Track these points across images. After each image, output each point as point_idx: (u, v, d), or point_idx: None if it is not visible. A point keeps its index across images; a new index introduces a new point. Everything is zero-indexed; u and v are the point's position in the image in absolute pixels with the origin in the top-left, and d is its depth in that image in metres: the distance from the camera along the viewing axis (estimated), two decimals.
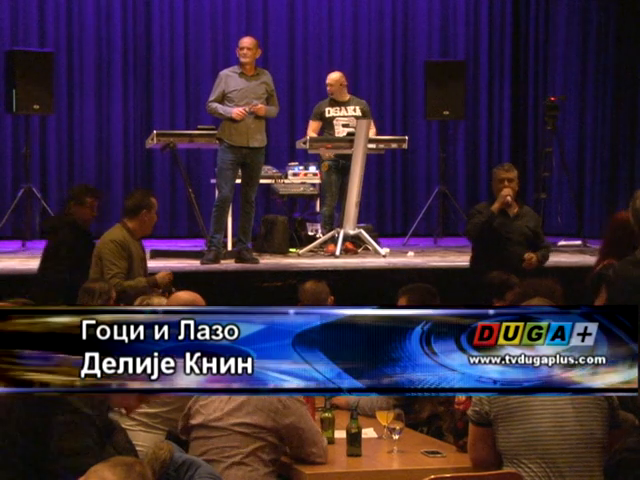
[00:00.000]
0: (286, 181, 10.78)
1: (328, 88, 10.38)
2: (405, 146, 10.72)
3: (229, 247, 9.95)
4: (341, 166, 10.18)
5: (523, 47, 13.49)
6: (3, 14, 12.10)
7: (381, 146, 10.66)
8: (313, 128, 10.33)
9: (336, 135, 10.21)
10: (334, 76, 10.43)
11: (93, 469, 2.72)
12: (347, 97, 10.39)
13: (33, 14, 12.21)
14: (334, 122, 10.27)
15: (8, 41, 11.96)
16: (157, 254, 9.81)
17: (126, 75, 12.54)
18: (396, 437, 4.64)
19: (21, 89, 10.58)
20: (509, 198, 7.66)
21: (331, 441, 4.70)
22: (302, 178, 10.83)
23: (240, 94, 9.25)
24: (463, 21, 13.36)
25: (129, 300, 5.97)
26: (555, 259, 9.83)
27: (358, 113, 10.27)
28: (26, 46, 11.58)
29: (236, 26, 12.56)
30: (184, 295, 5.45)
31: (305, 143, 10.12)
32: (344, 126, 10.23)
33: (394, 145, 10.81)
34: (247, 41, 9.45)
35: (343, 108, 10.33)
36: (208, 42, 12.72)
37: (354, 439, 4.57)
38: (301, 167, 10.92)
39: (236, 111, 9.12)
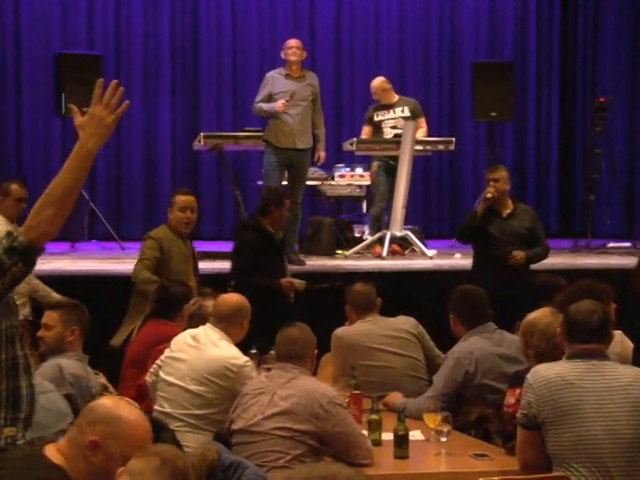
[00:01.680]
0: (332, 183, 10.78)
1: (373, 95, 10.41)
2: (452, 147, 10.68)
3: None
4: (390, 167, 10.16)
5: (571, 47, 13.39)
6: (52, 17, 12.23)
7: (428, 148, 10.63)
8: (365, 133, 10.37)
9: (384, 138, 10.19)
10: (375, 82, 10.45)
11: (138, 471, 2.62)
12: (395, 99, 10.37)
13: (82, 17, 12.31)
14: (382, 125, 10.26)
15: (57, 44, 12.06)
16: (204, 256, 9.83)
17: (174, 77, 12.61)
18: (443, 439, 4.61)
19: (70, 92, 10.65)
20: (488, 195, 7.71)
21: (378, 443, 4.69)
22: (349, 180, 10.82)
23: (286, 95, 9.26)
24: (511, 21, 13.28)
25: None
26: (605, 261, 9.76)
27: (406, 114, 10.24)
28: (75, 49, 11.67)
29: (283, 28, 12.59)
30: (231, 297, 5.48)
31: (352, 145, 10.11)
32: (392, 128, 10.21)
33: (441, 147, 10.77)
34: (295, 41, 9.48)
35: (390, 111, 10.30)
36: (255, 44, 12.76)
37: (401, 441, 4.55)
38: (348, 169, 10.90)
39: (279, 104, 9.14)
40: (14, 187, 7.32)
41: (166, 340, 5.62)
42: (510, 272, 7.43)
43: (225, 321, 5.29)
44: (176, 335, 5.55)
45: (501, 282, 7.18)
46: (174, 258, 7.04)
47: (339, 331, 5.97)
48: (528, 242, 7.73)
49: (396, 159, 10.01)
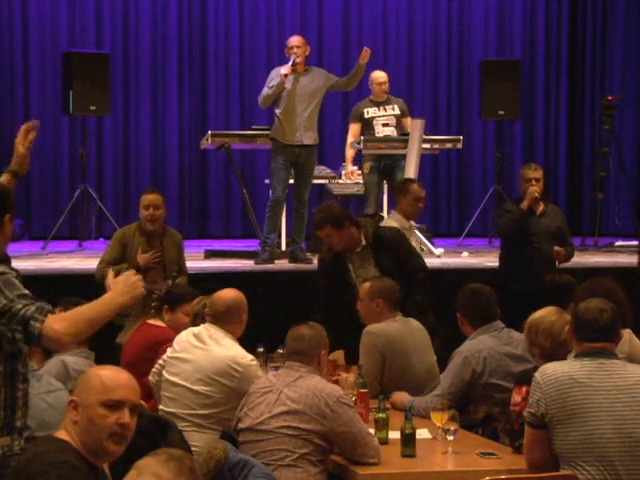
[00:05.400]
0: (340, 181, 10.75)
1: (381, 87, 10.27)
2: (460, 146, 10.66)
3: (283, 247, 9.96)
4: (384, 166, 10.10)
5: (580, 45, 13.36)
6: (60, 16, 12.24)
7: (436, 146, 10.61)
8: (354, 131, 10.22)
9: (376, 135, 10.15)
10: (377, 75, 10.33)
11: (144, 464, 2.69)
12: (385, 96, 10.32)
13: (90, 16, 12.33)
14: (374, 122, 10.20)
15: (65, 43, 12.09)
16: (211, 254, 9.85)
17: (181, 76, 12.62)
18: (451, 438, 4.60)
19: (78, 90, 10.67)
20: (537, 195, 7.75)
21: (385, 442, 4.68)
22: (356, 178, 10.80)
23: (291, 92, 9.23)
24: (519, 20, 13.27)
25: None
26: (612, 260, 9.73)
27: (397, 112, 10.21)
28: (83, 48, 11.69)
29: (291, 27, 12.57)
30: (227, 293, 5.43)
31: (359, 143, 10.09)
32: (384, 125, 10.18)
33: (449, 145, 10.76)
34: (296, 40, 9.39)
35: (381, 108, 10.26)
36: (263, 43, 12.76)
37: (408, 440, 4.54)
38: (355, 167, 10.89)
39: (282, 71, 9.09)
40: (414, 186, 7.67)
41: (157, 343, 5.61)
42: (541, 270, 7.42)
43: (222, 319, 5.26)
44: (167, 337, 5.53)
45: (532, 280, 7.19)
46: (132, 252, 7.12)
47: (374, 327, 5.79)
48: (558, 240, 7.78)
49: (390, 159, 9.99)
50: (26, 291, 3.43)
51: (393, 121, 10.08)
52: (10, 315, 3.37)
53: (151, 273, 7.06)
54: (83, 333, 3.44)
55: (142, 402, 5.15)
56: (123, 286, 3.54)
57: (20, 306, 3.36)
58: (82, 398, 3.19)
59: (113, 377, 3.21)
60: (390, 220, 7.69)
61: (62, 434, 3.20)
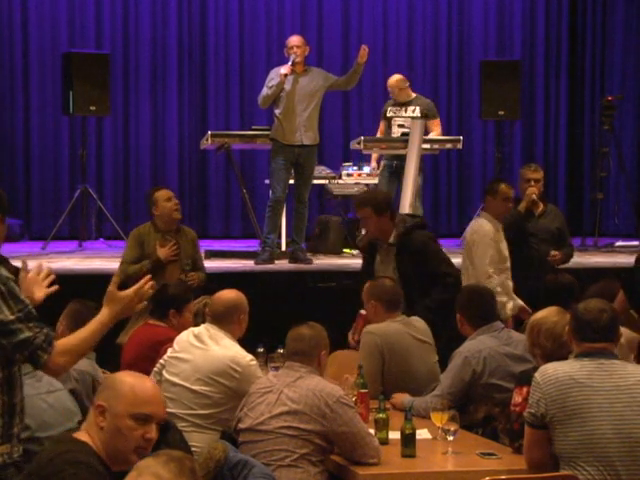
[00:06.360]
0: (340, 181, 10.77)
1: (399, 91, 10.32)
2: (460, 146, 10.66)
3: (283, 247, 9.97)
4: (395, 167, 10.13)
5: (580, 46, 13.37)
6: (60, 16, 12.25)
7: (436, 146, 10.61)
8: (379, 129, 10.37)
9: (392, 135, 10.18)
10: (391, 80, 10.38)
11: (144, 465, 2.70)
12: (410, 97, 10.34)
13: (90, 16, 12.33)
14: (392, 122, 10.26)
15: (65, 43, 12.09)
16: (212, 254, 9.85)
17: (181, 76, 12.63)
18: (451, 438, 4.60)
19: (78, 91, 10.67)
20: (535, 196, 7.79)
21: (385, 442, 4.68)
22: (356, 178, 10.81)
23: (290, 92, 9.23)
24: (519, 20, 13.27)
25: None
26: (612, 260, 9.73)
27: (417, 114, 10.21)
28: (83, 48, 11.68)
29: (290, 27, 12.58)
30: (227, 294, 5.43)
31: (359, 143, 10.10)
32: (399, 126, 10.20)
33: (449, 145, 10.75)
34: (295, 39, 9.40)
35: (402, 109, 10.29)
36: (263, 43, 12.76)
37: (408, 440, 4.54)
38: (355, 167, 10.89)
39: (282, 71, 9.09)
40: (503, 186, 7.36)
41: (158, 343, 5.60)
42: (540, 270, 7.42)
43: (221, 320, 5.26)
44: (169, 337, 5.52)
45: (531, 280, 7.20)
46: (149, 249, 7.31)
47: (372, 327, 5.76)
48: (557, 241, 7.79)
49: (400, 159, 10.00)
50: (26, 301, 3.47)
51: (409, 123, 10.09)
52: (18, 342, 3.40)
53: (169, 267, 7.27)
54: (78, 361, 3.58)
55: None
56: (117, 304, 3.62)
57: (30, 334, 3.40)
58: (110, 405, 3.18)
59: (143, 388, 3.21)
60: (482, 221, 7.38)
61: (83, 436, 3.20)
